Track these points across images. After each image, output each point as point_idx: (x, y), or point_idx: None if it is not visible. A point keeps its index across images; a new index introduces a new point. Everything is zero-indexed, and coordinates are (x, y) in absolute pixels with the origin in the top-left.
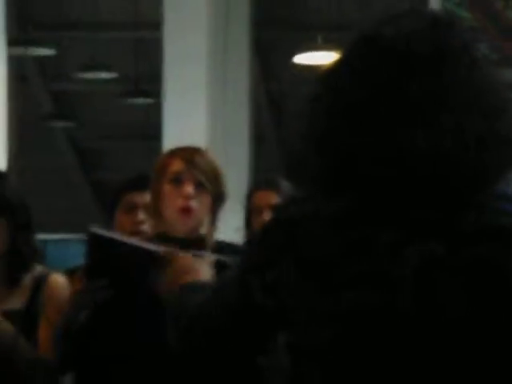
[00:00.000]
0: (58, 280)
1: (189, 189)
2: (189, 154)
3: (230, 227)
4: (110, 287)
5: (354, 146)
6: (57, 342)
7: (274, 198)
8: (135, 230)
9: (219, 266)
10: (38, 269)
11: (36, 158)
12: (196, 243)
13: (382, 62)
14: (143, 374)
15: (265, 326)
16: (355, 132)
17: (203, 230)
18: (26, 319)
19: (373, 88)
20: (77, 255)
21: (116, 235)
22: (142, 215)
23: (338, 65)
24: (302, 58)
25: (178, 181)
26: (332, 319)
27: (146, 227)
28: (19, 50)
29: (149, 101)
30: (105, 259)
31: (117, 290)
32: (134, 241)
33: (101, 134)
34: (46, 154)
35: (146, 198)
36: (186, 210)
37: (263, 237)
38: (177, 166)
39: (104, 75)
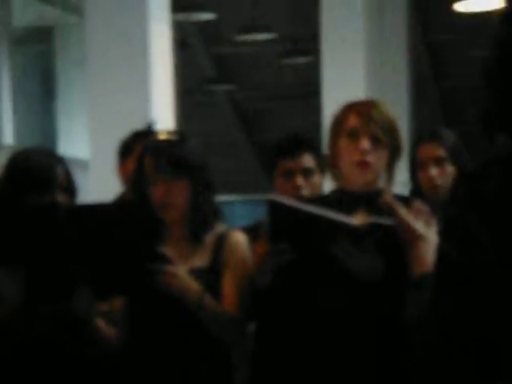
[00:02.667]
0: (239, 237)
1: (365, 143)
2: (365, 108)
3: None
4: (291, 252)
5: None
6: (243, 299)
7: (439, 151)
8: (294, 195)
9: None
10: (220, 227)
11: (199, 122)
12: (373, 197)
13: None
14: (319, 336)
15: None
16: None
17: (380, 184)
18: (210, 276)
19: None
20: (242, 216)
21: (295, 203)
22: (300, 180)
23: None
24: (462, 6)
25: (354, 135)
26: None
27: (306, 191)
28: (181, 16)
29: (308, 60)
30: (285, 225)
31: (297, 255)
32: (313, 209)
33: (262, 95)
34: (209, 117)
35: (302, 162)
36: (363, 165)
37: (452, 197)
38: (353, 120)
39: (264, 36)
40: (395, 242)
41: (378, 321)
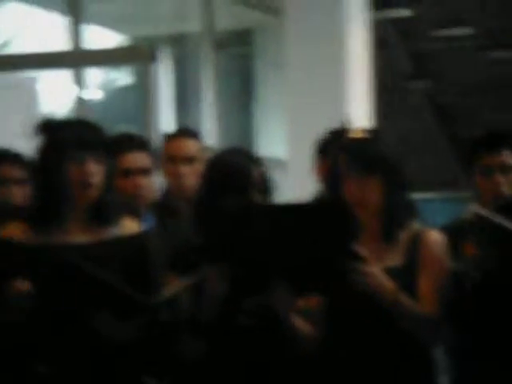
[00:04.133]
0: (435, 236)
1: None
2: None
3: None
4: (498, 260)
5: None
6: (440, 299)
7: None
8: (494, 192)
9: None
10: (414, 225)
11: (397, 119)
12: None
13: None
14: None
15: None
16: None
17: None
18: (405, 275)
19: None
20: (442, 214)
21: (499, 219)
22: (499, 177)
23: None
24: None
25: None
26: None
27: (506, 188)
28: (378, 14)
29: (508, 54)
30: (490, 236)
31: (503, 264)
32: None
33: (459, 90)
34: (406, 114)
35: (501, 158)
36: None
37: None
38: None
39: (461, 31)
40: None
41: None
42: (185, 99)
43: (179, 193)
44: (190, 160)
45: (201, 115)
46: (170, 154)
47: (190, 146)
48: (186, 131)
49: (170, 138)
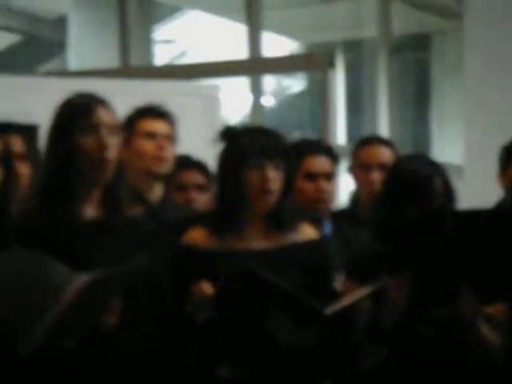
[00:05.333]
0: None
1: None
2: None
3: None
4: None
5: None
6: None
7: None
8: None
9: None
10: None
11: None
12: None
13: None
14: None
15: None
16: None
17: None
18: None
19: None
20: None
21: None
22: None
23: None
24: None
25: None
26: None
27: None
28: None
29: None
30: None
31: None
32: None
33: None
34: None
35: None
36: None
37: None
38: None
39: None
40: None
41: None
42: (358, 105)
43: (369, 199)
44: (383, 167)
45: (374, 121)
46: (364, 161)
47: (384, 154)
48: (380, 139)
49: (363, 144)
